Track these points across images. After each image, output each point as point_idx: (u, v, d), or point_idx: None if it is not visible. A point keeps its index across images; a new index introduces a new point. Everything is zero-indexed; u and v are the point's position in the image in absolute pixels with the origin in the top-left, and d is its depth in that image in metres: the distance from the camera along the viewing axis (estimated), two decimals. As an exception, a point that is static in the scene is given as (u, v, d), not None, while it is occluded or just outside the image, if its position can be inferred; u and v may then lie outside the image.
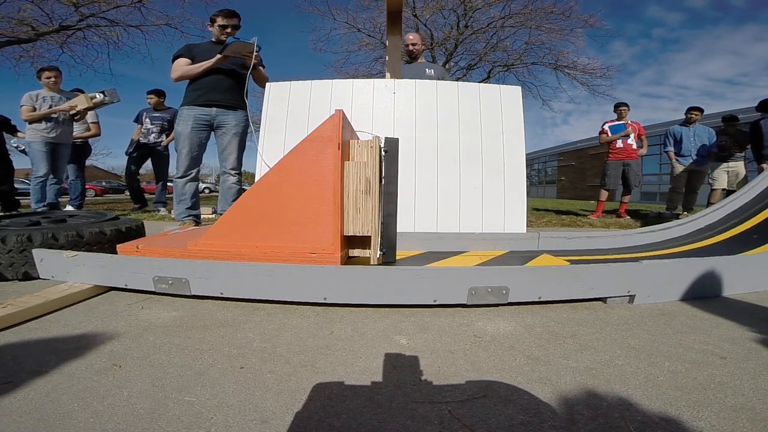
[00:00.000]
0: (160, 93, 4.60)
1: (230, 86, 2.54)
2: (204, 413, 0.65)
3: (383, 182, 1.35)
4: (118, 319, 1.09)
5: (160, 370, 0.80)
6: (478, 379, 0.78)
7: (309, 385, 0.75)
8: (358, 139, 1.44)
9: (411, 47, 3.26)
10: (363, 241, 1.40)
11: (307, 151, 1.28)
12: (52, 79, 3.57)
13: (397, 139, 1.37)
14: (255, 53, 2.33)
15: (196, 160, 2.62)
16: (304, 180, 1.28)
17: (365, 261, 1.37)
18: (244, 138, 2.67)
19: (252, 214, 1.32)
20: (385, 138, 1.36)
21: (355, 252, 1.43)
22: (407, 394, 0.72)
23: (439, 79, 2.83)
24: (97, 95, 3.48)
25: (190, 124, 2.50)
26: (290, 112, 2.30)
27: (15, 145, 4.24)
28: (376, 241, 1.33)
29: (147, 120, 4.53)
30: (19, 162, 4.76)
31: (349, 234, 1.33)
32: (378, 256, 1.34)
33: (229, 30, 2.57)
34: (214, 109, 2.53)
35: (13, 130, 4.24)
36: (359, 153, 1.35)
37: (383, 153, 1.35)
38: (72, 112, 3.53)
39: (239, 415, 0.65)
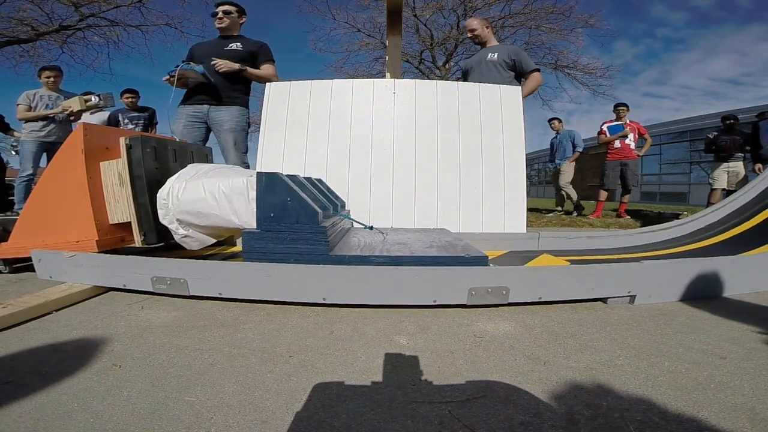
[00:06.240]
0: (137, 92, 4.55)
1: (222, 85, 2.51)
2: (204, 413, 0.65)
3: (134, 174, 1.50)
4: (118, 319, 1.09)
5: (160, 370, 0.80)
6: (478, 379, 0.78)
7: (309, 385, 0.75)
8: (125, 137, 1.55)
9: (470, 33, 2.96)
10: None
11: (61, 157, 1.53)
12: (51, 78, 3.56)
13: (141, 136, 1.52)
14: (197, 75, 2.42)
15: None
16: (66, 181, 1.51)
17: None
18: (241, 134, 2.60)
19: (39, 214, 1.56)
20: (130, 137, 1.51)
21: (128, 237, 1.57)
22: (407, 394, 0.72)
23: (500, 62, 2.65)
24: (92, 98, 3.39)
25: (182, 121, 2.52)
26: (290, 112, 2.30)
27: (14, 144, 4.19)
28: (135, 226, 1.50)
29: (125, 120, 4.39)
30: (14, 161, 4.70)
31: (115, 222, 1.54)
32: (141, 239, 1.50)
33: (216, 17, 2.58)
34: (206, 106, 2.52)
35: (6, 128, 4.15)
36: (115, 153, 1.53)
37: (129, 149, 1.47)
38: (66, 113, 3.50)
39: (239, 415, 0.65)
